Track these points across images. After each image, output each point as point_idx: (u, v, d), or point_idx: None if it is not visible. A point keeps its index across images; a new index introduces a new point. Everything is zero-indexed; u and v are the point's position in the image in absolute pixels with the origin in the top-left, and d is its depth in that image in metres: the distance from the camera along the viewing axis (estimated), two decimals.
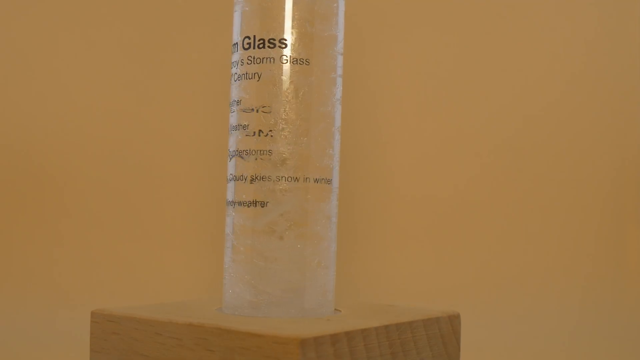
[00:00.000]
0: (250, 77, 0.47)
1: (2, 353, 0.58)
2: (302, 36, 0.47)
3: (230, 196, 0.47)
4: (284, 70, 0.47)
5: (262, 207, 0.46)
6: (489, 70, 0.75)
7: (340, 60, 0.48)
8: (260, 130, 0.46)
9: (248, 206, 0.47)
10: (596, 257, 0.74)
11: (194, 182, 0.72)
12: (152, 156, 0.71)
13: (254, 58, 0.47)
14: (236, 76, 0.47)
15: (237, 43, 0.48)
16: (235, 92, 0.47)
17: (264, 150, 0.46)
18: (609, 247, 0.75)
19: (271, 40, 0.47)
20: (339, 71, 0.48)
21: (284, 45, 0.46)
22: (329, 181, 0.48)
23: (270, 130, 0.46)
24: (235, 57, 0.48)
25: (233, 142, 0.47)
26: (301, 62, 0.47)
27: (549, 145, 0.75)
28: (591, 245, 0.75)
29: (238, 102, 0.47)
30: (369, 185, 0.73)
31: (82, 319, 0.64)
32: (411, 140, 0.74)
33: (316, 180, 0.47)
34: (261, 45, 0.47)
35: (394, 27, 0.74)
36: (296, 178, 0.46)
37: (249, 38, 0.47)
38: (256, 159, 0.46)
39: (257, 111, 0.47)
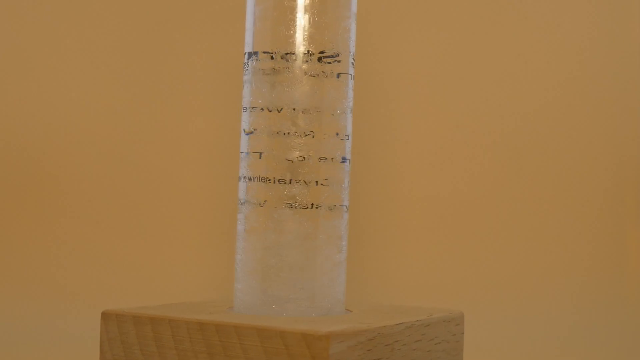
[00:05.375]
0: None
1: (2, 353, 0.58)
2: None
3: (241, 195, 0.47)
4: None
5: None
6: (490, 70, 0.75)
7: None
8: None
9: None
10: (596, 257, 0.75)
11: (203, 182, 0.71)
12: (159, 155, 0.71)
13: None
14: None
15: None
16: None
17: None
18: (608, 247, 0.75)
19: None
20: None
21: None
22: (341, 181, 0.48)
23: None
24: None
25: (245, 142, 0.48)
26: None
27: (557, 144, 0.75)
28: (591, 245, 0.75)
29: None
30: (376, 185, 0.73)
31: (88, 319, 0.63)
32: (418, 139, 0.74)
33: (328, 182, 0.47)
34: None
35: (395, 28, 0.74)
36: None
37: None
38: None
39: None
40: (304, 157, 0.47)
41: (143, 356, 0.45)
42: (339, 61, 0.47)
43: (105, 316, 0.46)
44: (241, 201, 0.48)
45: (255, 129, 0.47)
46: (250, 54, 0.48)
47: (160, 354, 0.45)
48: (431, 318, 0.48)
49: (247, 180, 0.47)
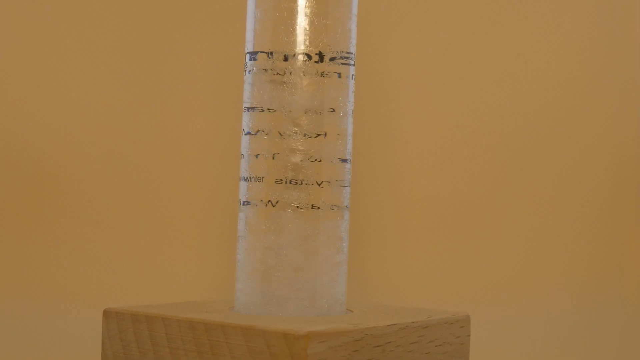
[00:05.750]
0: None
1: (2, 353, 0.58)
2: None
3: (242, 196, 0.48)
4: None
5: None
6: (490, 70, 0.75)
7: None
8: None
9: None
10: (596, 257, 0.75)
11: (203, 182, 0.71)
12: (159, 155, 0.71)
13: None
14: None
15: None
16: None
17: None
18: (608, 247, 0.75)
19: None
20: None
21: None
22: (341, 182, 0.48)
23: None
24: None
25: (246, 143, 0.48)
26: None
27: (557, 144, 0.75)
28: (591, 245, 0.75)
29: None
30: (376, 185, 0.73)
31: (88, 319, 0.63)
32: (418, 139, 0.74)
33: (328, 183, 0.47)
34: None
35: (396, 28, 0.74)
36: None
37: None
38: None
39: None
40: (305, 158, 0.47)
41: (140, 353, 0.46)
42: (339, 62, 0.47)
43: (107, 314, 0.47)
44: (242, 201, 0.48)
45: (255, 130, 0.47)
46: (251, 54, 0.48)
47: (155, 352, 0.45)
48: (430, 319, 0.47)
49: (248, 180, 0.47)
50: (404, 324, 0.46)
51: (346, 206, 0.48)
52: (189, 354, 0.44)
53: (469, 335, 0.50)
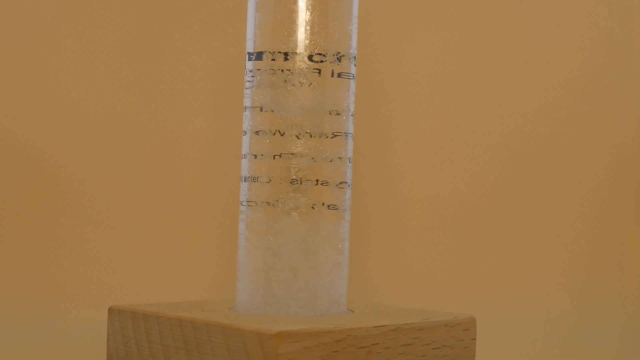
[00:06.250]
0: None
1: (2, 353, 0.58)
2: None
3: (242, 196, 0.48)
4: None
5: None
6: (490, 70, 0.75)
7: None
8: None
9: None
10: (596, 257, 0.75)
11: (203, 182, 0.71)
12: (159, 155, 0.71)
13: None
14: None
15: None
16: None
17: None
18: (608, 247, 0.75)
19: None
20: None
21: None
22: (342, 183, 0.48)
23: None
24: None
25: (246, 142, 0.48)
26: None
27: (557, 144, 0.75)
28: (591, 245, 0.75)
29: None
30: (376, 185, 0.73)
31: (88, 319, 0.63)
32: (418, 139, 0.74)
33: (329, 184, 0.47)
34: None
35: (396, 28, 0.74)
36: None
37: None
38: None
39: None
40: (305, 158, 0.47)
41: (138, 350, 0.47)
42: (340, 62, 0.47)
43: (111, 311, 0.48)
44: (242, 201, 0.48)
45: (256, 130, 0.47)
46: (251, 55, 0.48)
47: (150, 349, 0.46)
48: (426, 321, 0.47)
49: (248, 180, 0.47)
50: (394, 325, 0.45)
51: (347, 207, 0.48)
52: (179, 352, 0.45)
53: (474, 339, 0.49)
